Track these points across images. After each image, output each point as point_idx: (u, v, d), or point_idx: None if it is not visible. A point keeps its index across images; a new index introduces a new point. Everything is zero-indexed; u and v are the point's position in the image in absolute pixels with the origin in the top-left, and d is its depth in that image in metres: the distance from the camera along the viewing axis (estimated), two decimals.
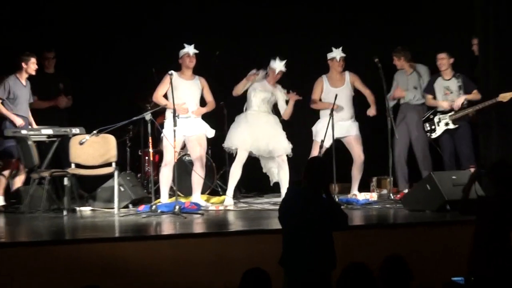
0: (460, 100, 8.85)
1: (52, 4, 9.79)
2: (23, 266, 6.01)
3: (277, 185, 9.09)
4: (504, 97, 8.45)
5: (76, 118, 9.30)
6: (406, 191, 9.04)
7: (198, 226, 7.69)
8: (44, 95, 9.24)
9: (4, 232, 7.49)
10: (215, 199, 9.18)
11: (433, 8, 10.02)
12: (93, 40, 9.89)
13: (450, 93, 9.03)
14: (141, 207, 8.48)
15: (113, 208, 8.38)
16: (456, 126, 8.95)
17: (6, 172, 8.64)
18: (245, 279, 4.29)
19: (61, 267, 6.00)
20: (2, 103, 8.62)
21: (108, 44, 9.93)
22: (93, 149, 8.54)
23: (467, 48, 9.23)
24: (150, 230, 7.44)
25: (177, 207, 7.91)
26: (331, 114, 8.67)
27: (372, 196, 9.25)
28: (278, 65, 8.91)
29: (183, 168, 9.16)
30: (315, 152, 8.86)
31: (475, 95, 8.85)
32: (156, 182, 8.85)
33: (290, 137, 9.02)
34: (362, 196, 9.12)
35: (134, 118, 8.52)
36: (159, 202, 8.44)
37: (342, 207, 5.84)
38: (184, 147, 9.10)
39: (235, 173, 8.85)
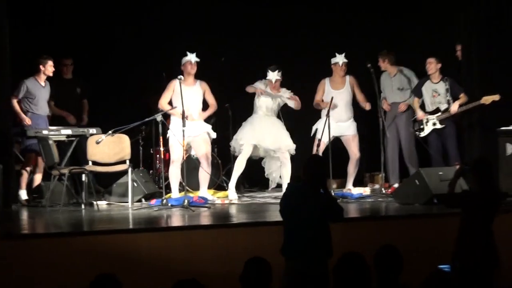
0: (456, 105, 8.84)
1: (69, 10, 9.67)
2: (45, 255, 6.02)
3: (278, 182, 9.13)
4: (486, 100, 8.49)
5: (93, 119, 9.31)
6: (396, 185, 9.05)
7: (205, 218, 7.69)
8: (61, 101, 9.20)
9: (27, 225, 7.52)
10: (221, 193, 9.18)
11: (423, 16, 9.99)
12: (109, 48, 9.84)
13: (437, 95, 9.03)
14: (153, 201, 8.50)
15: (127, 202, 8.38)
16: (443, 126, 8.97)
17: (28, 168, 8.65)
18: (247, 267, 4.30)
19: (79, 256, 6.01)
20: (19, 102, 8.63)
21: (122, 52, 9.87)
22: (109, 148, 8.54)
23: (453, 53, 9.25)
24: (161, 222, 7.45)
25: (186, 201, 7.93)
26: (328, 115, 8.69)
27: (366, 190, 9.25)
28: (273, 76, 8.92)
29: (191, 165, 9.17)
30: (318, 149, 8.86)
31: (463, 98, 8.86)
32: (167, 178, 8.85)
33: (292, 135, 8.99)
34: (356, 191, 9.11)
35: (146, 119, 8.53)
36: (169, 197, 8.46)
37: (338, 200, 5.86)
38: (189, 148, 9.11)
39: (239, 166, 8.85)
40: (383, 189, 8.98)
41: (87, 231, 6.92)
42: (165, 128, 8.58)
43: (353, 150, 9.24)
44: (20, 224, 7.46)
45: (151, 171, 9.67)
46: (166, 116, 8.96)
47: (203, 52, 8.88)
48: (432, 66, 9.01)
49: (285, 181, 8.83)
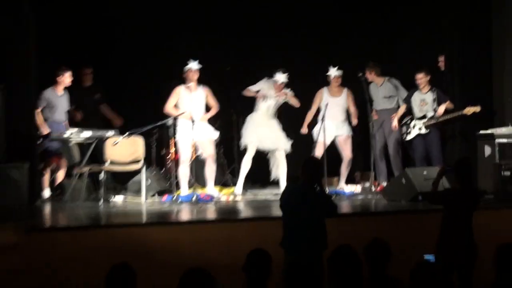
0: (442, 108, 8.83)
1: (88, 19, 9.46)
2: (66, 247, 6.02)
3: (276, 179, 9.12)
4: (468, 111, 8.51)
5: (110, 123, 9.30)
6: (385, 184, 9.04)
7: (212, 213, 7.69)
8: (81, 107, 9.17)
9: (50, 219, 7.51)
10: (226, 190, 9.17)
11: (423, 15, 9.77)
12: (124, 57, 9.70)
13: (425, 104, 9.01)
14: (165, 197, 8.49)
15: (141, 198, 8.39)
16: (428, 131, 8.95)
17: (49, 169, 8.64)
18: (249, 258, 4.30)
19: (97, 247, 6.01)
20: (42, 112, 8.62)
21: (138, 61, 9.77)
22: (124, 149, 8.53)
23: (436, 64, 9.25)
24: (172, 217, 7.45)
25: (194, 197, 7.94)
26: (323, 119, 8.69)
27: (357, 188, 9.25)
28: (280, 77, 8.88)
29: (199, 164, 9.16)
30: (317, 151, 8.83)
31: (448, 104, 8.87)
32: (177, 176, 8.85)
33: (288, 135, 8.98)
34: (348, 189, 9.12)
35: (159, 123, 8.54)
36: (179, 193, 8.46)
37: (332, 198, 5.86)
38: (196, 148, 9.10)
39: (245, 164, 8.85)
40: (372, 187, 8.96)
41: (104, 224, 6.92)
42: (175, 131, 8.58)
43: (346, 151, 9.23)
44: (43, 218, 7.45)
45: (162, 170, 9.66)
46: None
47: (203, 53, 8.79)
48: (422, 80, 8.96)
49: (282, 178, 8.85)
